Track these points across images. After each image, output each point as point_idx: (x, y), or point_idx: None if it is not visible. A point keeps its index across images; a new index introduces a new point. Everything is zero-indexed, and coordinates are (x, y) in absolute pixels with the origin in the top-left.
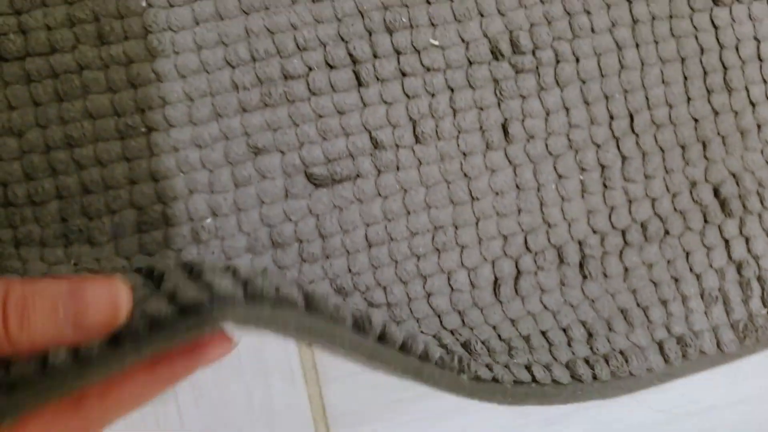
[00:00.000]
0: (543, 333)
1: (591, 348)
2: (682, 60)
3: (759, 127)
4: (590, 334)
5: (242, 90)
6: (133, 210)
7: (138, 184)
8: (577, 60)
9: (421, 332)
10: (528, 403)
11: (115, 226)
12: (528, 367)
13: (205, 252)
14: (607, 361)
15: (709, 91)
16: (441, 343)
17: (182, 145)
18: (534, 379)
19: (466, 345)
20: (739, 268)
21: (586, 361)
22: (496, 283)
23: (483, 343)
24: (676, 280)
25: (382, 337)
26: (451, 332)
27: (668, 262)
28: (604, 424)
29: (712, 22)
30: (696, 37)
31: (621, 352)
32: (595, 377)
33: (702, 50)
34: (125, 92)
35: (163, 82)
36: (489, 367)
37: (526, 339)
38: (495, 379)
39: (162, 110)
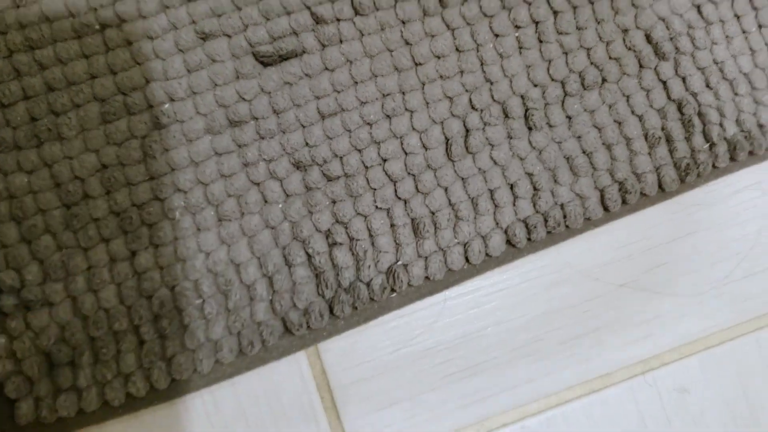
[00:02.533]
0: (491, 192)
1: (534, 205)
2: None
3: None
4: (536, 189)
5: None
6: (96, 102)
7: (98, 78)
8: None
9: (376, 207)
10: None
11: (81, 120)
12: (465, 245)
13: (167, 136)
14: (546, 220)
15: None
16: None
17: (135, 38)
18: (467, 261)
19: (414, 224)
20: (679, 106)
21: (525, 223)
22: (447, 143)
23: (432, 215)
24: (619, 123)
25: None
26: (404, 202)
27: (609, 106)
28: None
29: None
30: None
31: (562, 206)
32: (529, 239)
33: None
34: None
35: None
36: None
37: (474, 202)
38: (427, 278)
39: (112, 7)
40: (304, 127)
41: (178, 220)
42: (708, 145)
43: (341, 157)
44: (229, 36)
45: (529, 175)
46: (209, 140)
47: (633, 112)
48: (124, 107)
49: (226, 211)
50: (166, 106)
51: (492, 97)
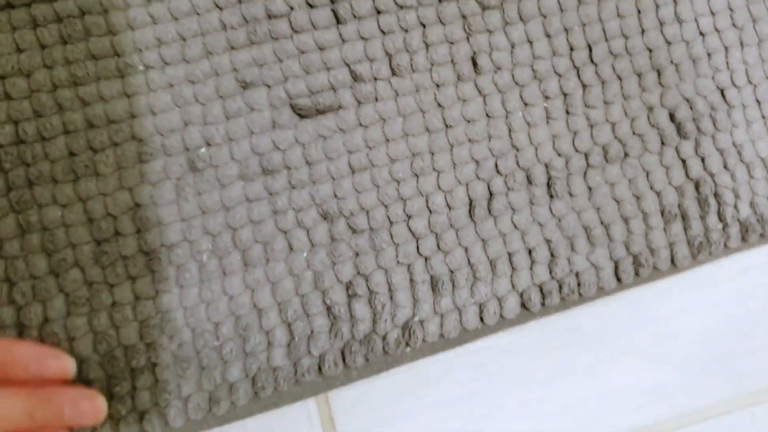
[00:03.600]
0: (509, 256)
1: (550, 272)
2: None
3: (709, 55)
4: (553, 255)
5: (230, 29)
6: (134, 142)
7: (138, 118)
8: None
9: (398, 262)
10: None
11: (118, 158)
12: (481, 306)
13: (201, 180)
14: (560, 287)
15: (661, 23)
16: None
17: (176, 81)
18: (482, 321)
19: (434, 282)
20: (696, 185)
21: (540, 288)
22: (471, 205)
23: (451, 273)
24: (638, 197)
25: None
26: (425, 260)
27: (629, 180)
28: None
29: None
30: None
31: (577, 275)
32: (543, 304)
33: None
34: (124, 34)
35: (158, 24)
36: (442, 318)
37: (493, 264)
38: (441, 335)
39: (158, 50)
40: (334, 179)
41: (205, 263)
42: (721, 225)
43: (368, 211)
44: (268, 86)
45: (548, 241)
46: (241, 186)
47: (652, 188)
48: (162, 148)
49: (252, 257)
50: (203, 150)
51: (517, 163)
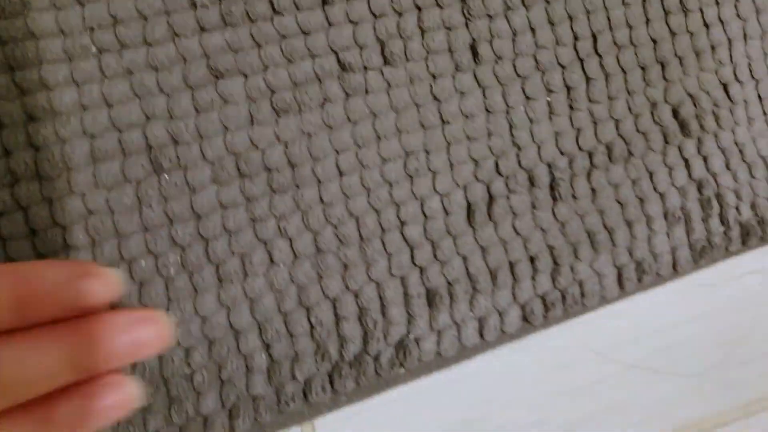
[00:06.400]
0: (511, 265)
1: (553, 281)
2: None
3: (713, 48)
4: (556, 263)
5: (200, 8)
6: (86, 138)
7: (89, 110)
8: None
9: (391, 274)
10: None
11: (66, 157)
12: (480, 320)
13: (168, 185)
14: (564, 298)
15: (666, 12)
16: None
17: (136, 68)
18: (482, 336)
19: (430, 295)
20: (699, 186)
21: (543, 300)
22: (469, 209)
23: (449, 285)
24: (641, 200)
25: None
26: (421, 271)
27: (633, 182)
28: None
29: None
30: None
31: (580, 283)
32: (545, 317)
33: None
34: (71, 9)
35: None
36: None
37: (493, 274)
38: (438, 353)
39: (113, 29)
40: (320, 182)
41: (173, 278)
42: (723, 228)
43: (357, 218)
44: (245, 75)
45: (551, 248)
46: (215, 191)
47: (655, 189)
48: (119, 146)
49: (227, 271)
50: (169, 148)
51: (519, 163)
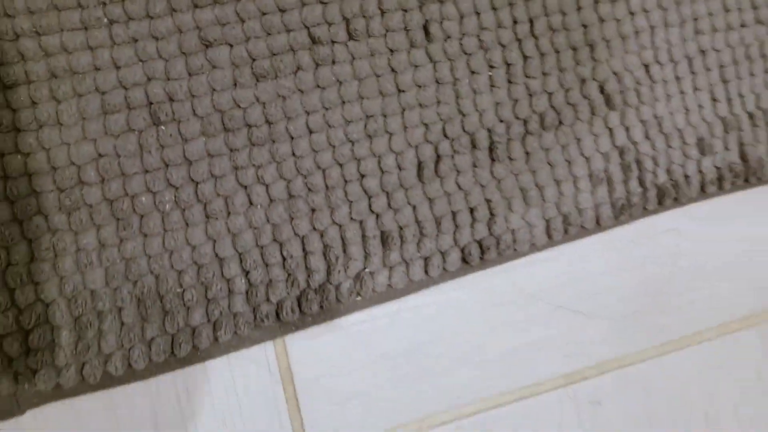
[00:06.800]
0: (453, 214)
1: (489, 229)
2: None
3: (637, 33)
4: (492, 214)
5: None
6: (98, 94)
7: (101, 71)
8: None
9: (351, 219)
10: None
11: (82, 109)
12: (426, 259)
13: (164, 135)
14: (498, 243)
15: (596, 1)
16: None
17: (140, 36)
18: (427, 273)
19: (384, 237)
20: (621, 152)
21: (480, 244)
22: (419, 166)
23: (400, 229)
24: (569, 162)
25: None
26: (377, 217)
27: (562, 147)
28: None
29: None
30: None
31: (512, 232)
32: (482, 258)
33: None
34: None
35: None
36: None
37: (438, 222)
38: (389, 285)
39: (122, 4)
40: (293, 138)
41: (168, 213)
42: (641, 189)
43: (324, 170)
44: (231, 45)
45: (488, 201)
46: (203, 142)
47: (582, 154)
48: (125, 101)
49: (214, 210)
50: (165, 105)
51: (463, 128)
